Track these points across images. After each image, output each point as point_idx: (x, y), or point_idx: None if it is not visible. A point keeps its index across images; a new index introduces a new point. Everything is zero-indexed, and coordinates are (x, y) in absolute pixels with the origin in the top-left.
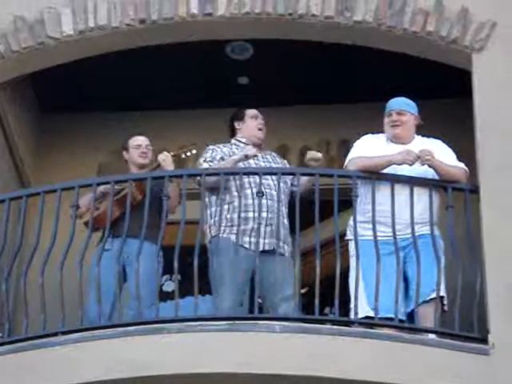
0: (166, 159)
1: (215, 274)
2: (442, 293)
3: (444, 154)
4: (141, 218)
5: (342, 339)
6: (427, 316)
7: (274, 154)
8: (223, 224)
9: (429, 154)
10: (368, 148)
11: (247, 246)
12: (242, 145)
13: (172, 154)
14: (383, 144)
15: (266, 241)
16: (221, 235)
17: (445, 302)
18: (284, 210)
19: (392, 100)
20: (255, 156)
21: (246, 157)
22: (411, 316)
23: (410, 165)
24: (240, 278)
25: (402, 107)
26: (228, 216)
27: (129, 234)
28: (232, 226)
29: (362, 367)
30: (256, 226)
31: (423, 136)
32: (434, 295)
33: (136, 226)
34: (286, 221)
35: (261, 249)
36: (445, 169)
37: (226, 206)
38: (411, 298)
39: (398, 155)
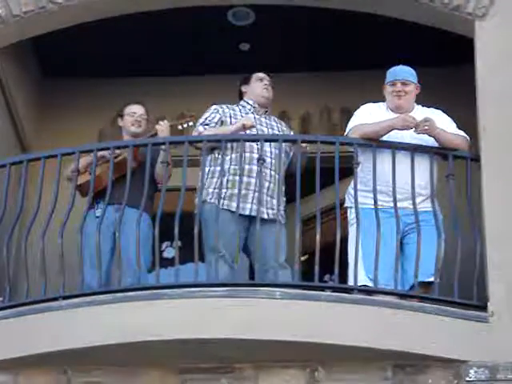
0: (163, 129)
1: (205, 241)
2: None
3: (444, 124)
4: (134, 186)
5: (341, 306)
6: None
7: (277, 119)
8: (211, 189)
9: (428, 122)
10: (369, 116)
11: (233, 210)
12: (248, 106)
13: (170, 123)
14: (384, 113)
15: (252, 207)
16: (208, 201)
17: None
18: (279, 176)
19: (396, 69)
20: (252, 127)
21: (244, 127)
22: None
23: (411, 128)
24: (228, 242)
25: (407, 77)
26: (217, 181)
27: (120, 201)
28: (219, 190)
29: (361, 334)
30: (243, 191)
31: (423, 106)
32: (432, 279)
33: (129, 193)
34: (282, 188)
35: (246, 213)
36: (446, 137)
37: (218, 168)
38: (408, 275)
39: (396, 120)
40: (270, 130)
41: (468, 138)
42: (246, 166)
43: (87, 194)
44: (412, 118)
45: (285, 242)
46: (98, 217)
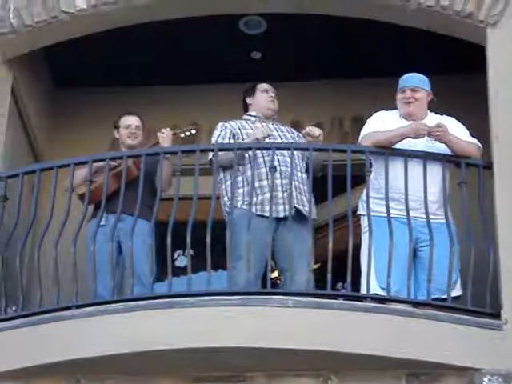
0: (165, 137)
1: (233, 248)
2: (459, 292)
3: (457, 131)
4: (136, 195)
5: (354, 314)
6: None
7: (287, 127)
8: (239, 198)
9: (441, 127)
10: (381, 124)
11: (267, 214)
12: (252, 118)
13: (172, 132)
14: (397, 120)
15: (285, 207)
16: (237, 208)
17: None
18: (303, 176)
19: (406, 76)
20: (266, 137)
21: (257, 140)
22: None
23: (423, 136)
24: (258, 250)
25: (416, 84)
26: (244, 189)
27: (123, 210)
28: (247, 196)
29: (374, 342)
30: (272, 193)
31: (436, 113)
32: (443, 296)
33: (132, 202)
34: (305, 187)
35: (280, 215)
36: (458, 144)
37: (239, 178)
38: (422, 286)
39: (409, 128)
40: (280, 133)
41: (480, 145)
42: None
43: (92, 202)
44: (424, 125)
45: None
46: (102, 226)
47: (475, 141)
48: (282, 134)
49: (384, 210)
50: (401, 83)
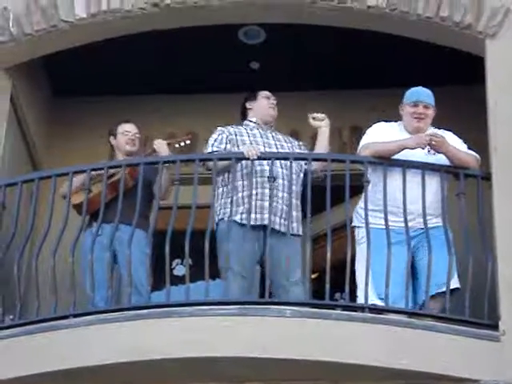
0: (160, 146)
1: (222, 258)
2: (457, 284)
3: (455, 144)
4: (133, 204)
5: (351, 324)
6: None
7: (285, 136)
8: (228, 207)
9: (439, 137)
10: (380, 135)
11: (253, 222)
12: (251, 124)
13: (167, 142)
14: (396, 132)
15: (277, 220)
16: (226, 218)
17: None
18: (296, 189)
19: (418, 90)
20: (255, 158)
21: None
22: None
23: (424, 147)
24: (247, 260)
25: (429, 101)
26: (234, 198)
27: (120, 219)
28: (238, 206)
29: (372, 353)
30: (263, 202)
31: (435, 127)
32: (442, 289)
33: (127, 212)
34: (298, 202)
35: (264, 223)
36: (457, 154)
37: (228, 187)
38: (419, 292)
39: (411, 139)
40: (277, 142)
41: (478, 157)
42: (259, 179)
43: (88, 212)
44: (425, 135)
45: (300, 258)
46: (98, 235)
47: (473, 153)
48: (279, 143)
49: (379, 221)
50: (412, 96)
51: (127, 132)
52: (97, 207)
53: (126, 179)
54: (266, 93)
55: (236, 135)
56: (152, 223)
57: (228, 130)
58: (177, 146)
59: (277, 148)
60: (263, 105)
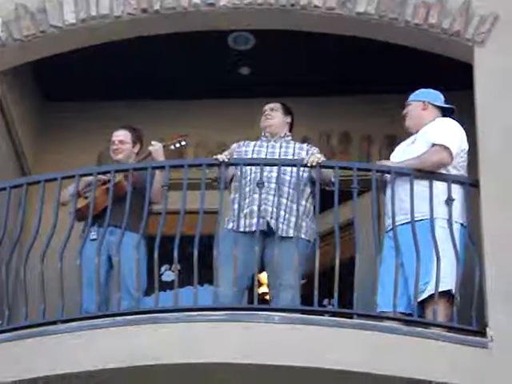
0: (157, 149)
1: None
2: (449, 286)
3: (429, 134)
4: (129, 210)
5: (341, 331)
6: (428, 313)
7: (289, 140)
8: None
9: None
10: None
11: (241, 229)
12: (263, 138)
13: (163, 144)
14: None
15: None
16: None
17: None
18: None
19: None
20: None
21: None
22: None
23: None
24: (240, 267)
25: (410, 98)
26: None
27: (115, 224)
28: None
29: (360, 359)
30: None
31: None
32: (426, 294)
33: (124, 216)
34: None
35: (253, 229)
36: (409, 165)
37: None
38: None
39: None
40: (281, 151)
41: (444, 146)
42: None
43: (81, 218)
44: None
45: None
46: (93, 239)
47: (439, 145)
48: (284, 151)
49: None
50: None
51: (112, 141)
52: (97, 212)
53: (122, 184)
54: (264, 107)
55: (241, 146)
56: (142, 228)
57: (239, 144)
58: (172, 147)
59: (265, 155)
60: (262, 118)
